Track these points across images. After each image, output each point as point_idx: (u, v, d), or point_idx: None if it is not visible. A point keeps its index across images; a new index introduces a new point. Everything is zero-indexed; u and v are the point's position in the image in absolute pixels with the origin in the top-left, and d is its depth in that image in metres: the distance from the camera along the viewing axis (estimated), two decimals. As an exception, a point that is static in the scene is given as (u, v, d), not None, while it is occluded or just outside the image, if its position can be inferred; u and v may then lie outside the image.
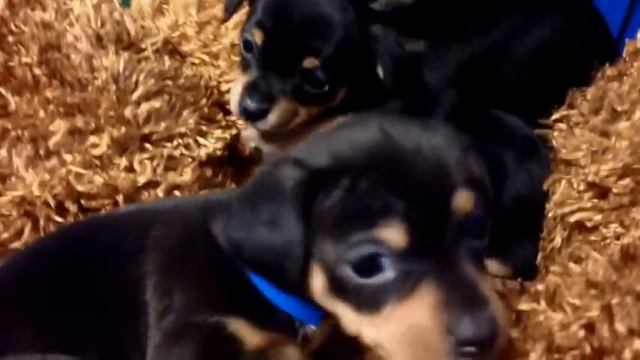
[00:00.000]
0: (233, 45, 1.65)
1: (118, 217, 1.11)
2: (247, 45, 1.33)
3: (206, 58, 1.67)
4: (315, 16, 1.29)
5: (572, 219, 1.24)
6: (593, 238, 1.15)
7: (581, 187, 1.25)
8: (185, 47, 1.69)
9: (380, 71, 1.33)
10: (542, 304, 0.86)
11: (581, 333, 0.75)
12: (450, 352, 0.69)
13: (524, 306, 0.88)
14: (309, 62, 1.28)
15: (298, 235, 0.75)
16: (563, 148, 1.35)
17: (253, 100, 1.30)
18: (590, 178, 1.23)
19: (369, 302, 0.74)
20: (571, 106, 1.44)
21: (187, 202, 1.15)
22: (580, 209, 1.23)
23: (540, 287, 0.91)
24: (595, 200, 1.21)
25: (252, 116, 1.32)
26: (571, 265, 0.96)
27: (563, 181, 1.31)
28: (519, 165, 1.39)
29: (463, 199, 0.74)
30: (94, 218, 1.18)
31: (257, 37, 1.30)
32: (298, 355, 0.92)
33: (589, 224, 1.20)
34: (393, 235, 0.71)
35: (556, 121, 1.44)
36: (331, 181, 0.75)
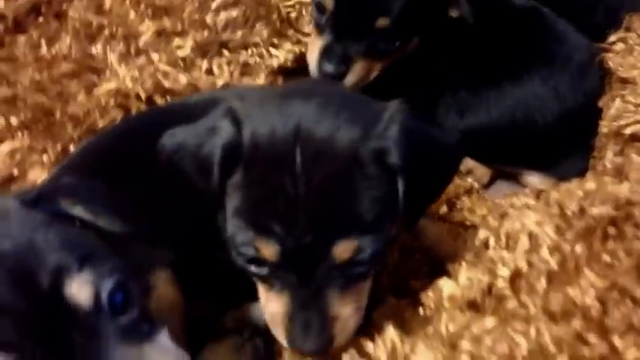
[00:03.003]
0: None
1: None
2: (320, 8, 1.35)
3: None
4: None
5: (628, 131, 1.30)
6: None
7: (638, 101, 1.31)
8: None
9: (453, 13, 1.35)
10: (607, 177, 0.92)
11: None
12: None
13: (590, 184, 0.94)
14: (382, 22, 1.30)
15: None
16: (620, 67, 1.40)
17: (331, 64, 1.33)
18: (648, 92, 1.28)
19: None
20: (628, 29, 1.49)
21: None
22: (636, 122, 1.29)
23: (608, 164, 0.97)
24: (652, 112, 1.27)
25: (331, 79, 1.35)
26: (632, 155, 1.02)
27: (618, 98, 1.36)
28: (573, 85, 1.44)
29: (341, 250, 0.76)
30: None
31: (328, 2, 1.32)
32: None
33: (645, 137, 1.26)
34: (270, 251, 0.78)
35: (613, 44, 1.49)
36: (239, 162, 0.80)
